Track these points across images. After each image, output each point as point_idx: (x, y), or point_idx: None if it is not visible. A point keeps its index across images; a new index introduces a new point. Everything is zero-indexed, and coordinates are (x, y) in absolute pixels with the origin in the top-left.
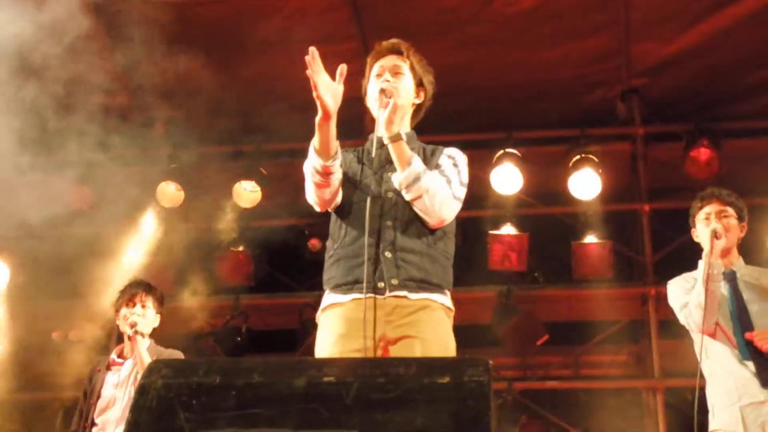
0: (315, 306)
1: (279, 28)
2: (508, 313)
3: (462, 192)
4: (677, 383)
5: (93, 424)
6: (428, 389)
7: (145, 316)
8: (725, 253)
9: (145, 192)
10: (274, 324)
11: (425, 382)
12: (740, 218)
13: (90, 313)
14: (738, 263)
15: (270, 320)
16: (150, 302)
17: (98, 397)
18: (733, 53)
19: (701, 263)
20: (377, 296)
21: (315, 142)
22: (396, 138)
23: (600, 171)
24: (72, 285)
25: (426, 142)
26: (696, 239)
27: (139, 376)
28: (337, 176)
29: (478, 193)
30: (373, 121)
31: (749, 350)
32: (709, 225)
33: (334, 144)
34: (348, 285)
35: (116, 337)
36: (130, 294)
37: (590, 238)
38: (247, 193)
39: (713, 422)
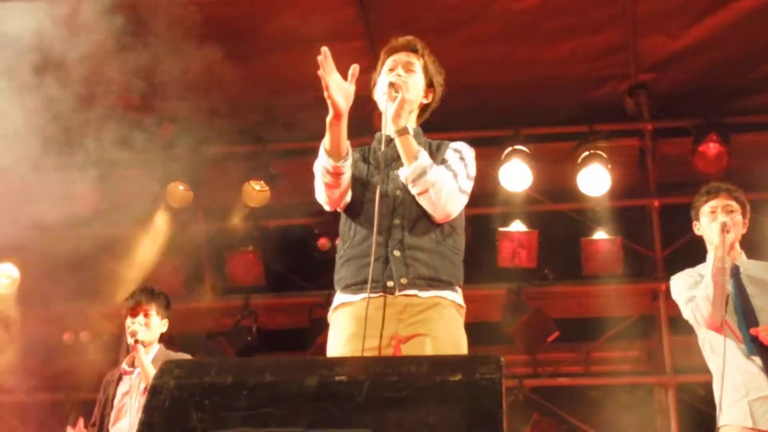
0: (325, 305)
1: (286, 28)
2: (518, 311)
3: (469, 185)
4: (689, 379)
5: None
6: (440, 387)
7: (148, 325)
8: (730, 247)
9: (155, 193)
10: (285, 323)
11: (437, 380)
12: (743, 214)
13: (102, 313)
14: (741, 258)
15: (280, 319)
16: (153, 310)
17: (111, 407)
18: (741, 47)
19: (709, 257)
20: (387, 295)
21: (326, 143)
22: (403, 132)
23: (609, 167)
24: (84, 285)
25: (434, 140)
26: (698, 232)
27: (142, 385)
28: (347, 177)
29: (487, 191)
30: (380, 118)
31: (755, 345)
32: (715, 219)
33: (345, 144)
34: (358, 285)
35: (126, 339)
36: (132, 303)
37: (600, 234)
38: (256, 192)
39: (722, 418)
